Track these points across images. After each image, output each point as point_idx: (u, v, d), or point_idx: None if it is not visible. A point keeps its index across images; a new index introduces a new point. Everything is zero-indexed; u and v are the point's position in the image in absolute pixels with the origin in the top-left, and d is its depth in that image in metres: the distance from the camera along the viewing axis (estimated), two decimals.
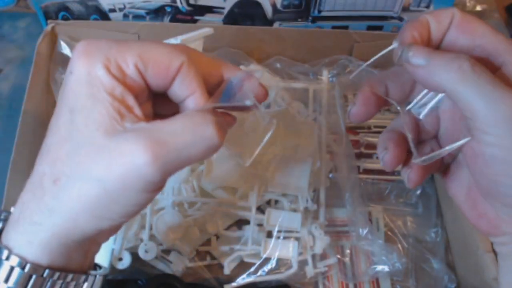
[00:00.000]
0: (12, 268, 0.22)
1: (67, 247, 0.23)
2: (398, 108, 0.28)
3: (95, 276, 0.26)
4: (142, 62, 0.23)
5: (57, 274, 0.23)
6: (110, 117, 0.22)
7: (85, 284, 0.25)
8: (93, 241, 0.25)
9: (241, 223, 0.50)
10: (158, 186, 0.23)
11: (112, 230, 0.26)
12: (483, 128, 0.23)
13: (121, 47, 0.23)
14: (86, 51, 0.23)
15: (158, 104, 0.27)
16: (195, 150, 0.23)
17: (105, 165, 0.21)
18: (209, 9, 0.56)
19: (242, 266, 0.47)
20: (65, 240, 0.23)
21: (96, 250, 0.27)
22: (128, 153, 0.21)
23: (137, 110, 0.23)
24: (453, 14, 0.25)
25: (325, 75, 0.54)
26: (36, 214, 0.22)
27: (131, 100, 0.23)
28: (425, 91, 0.28)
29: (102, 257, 0.44)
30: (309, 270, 0.46)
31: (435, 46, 0.26)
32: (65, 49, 0.54)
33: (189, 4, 0.55)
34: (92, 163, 0.22)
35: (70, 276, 0.24)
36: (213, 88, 0.26)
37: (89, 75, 0.22)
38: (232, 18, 0.56)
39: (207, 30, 0.43)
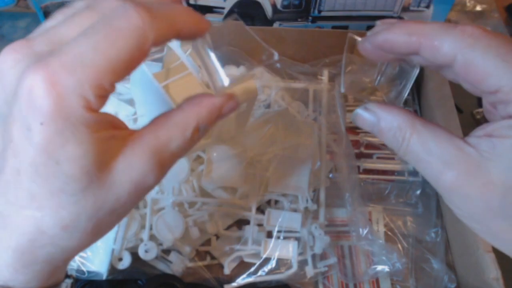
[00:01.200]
0: None
1: (60, 268, 0.23)
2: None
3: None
4: (115, 76, 0.20)
5: None
6: (105, 151, 0.21)
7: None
8: None
9: (241, 223, 0.50)
10: None
11: None
12: None
13: (89, 75, 0.19)
14: (54, 97, 0.18)
15: None
16: (183, 153, 0.24)
17: (116, 198, 0.21)
18: (209, 9, 0.56)
19: (242, 266, 0.47)
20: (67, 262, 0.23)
21: None
22: (135, 175, 0.21)
23: (123, 124, 0.22)
24: (455, 56, 0.23)
25: (325, 75, 0.54)
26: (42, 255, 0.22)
27: (117, 120, 0.22)
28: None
29: (102, 258, 0.44)
30: (309, 270, 0.46)
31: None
32: None
33: (189, 4, 0.55)
34: (102, 203, 0.21)
35: None
36: None
37: (70, 124, 0.19)
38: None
39: None
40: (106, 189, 0.21)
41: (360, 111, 0.26)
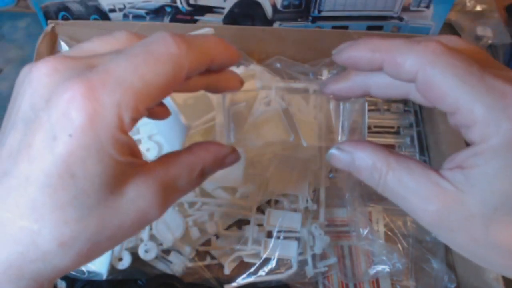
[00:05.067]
0: None
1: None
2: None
3: None
4: (150, 101, 0.21)
5: None
6: (120, 175, 0.21)
7: None
8: None
9: (241, 223, 0.50)
10: None
11: None
12: None
13: (128, 97, 0.20)
14: (90, 113, 0.19)
15: None
16: (185, 193, 0.25)
17: (119, 224, 0.21)
18: (209, 9, 0.56)
19: (242, 266, 0.47)
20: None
21: None
22: (142, 205, 0.22)
23: (140, 154, 0.23)
24: (417, 72, 0.22)
25: (325, 75, 0.54)
26: None
27: (136, 148, 0.22)
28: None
29: (102, 258, 0.44)
30: (309, 270, 0.46)
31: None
32: (65, 49, 0.54)
33: (189, 4, 0.55)
34: (105, 226, 0.21)
35: None
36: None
37: (98, 141, 0.19)
38: (232, 18, 0.56)
39: (207, 30, 0.43)
40: (112, 213, 0.21)
41: (334, 151, 0.26)
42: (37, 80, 0.21)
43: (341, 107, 0.29)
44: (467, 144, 0.22)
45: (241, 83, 0.27)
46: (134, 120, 0.20)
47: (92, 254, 0.22)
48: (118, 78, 0.20)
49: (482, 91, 0.21)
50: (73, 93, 0.19)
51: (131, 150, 0.21)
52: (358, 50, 0.25)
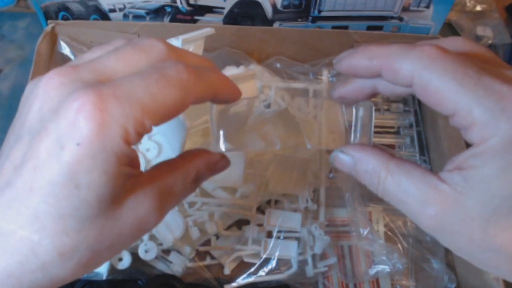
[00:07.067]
0: None
1: None
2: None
3: None
4: (157, 119, 0.21)
5: None
6: (122, 186, 0.21)
7: None
8: None
9: (241, 223, 0.50)
10: None
11: None
12: None
13: (136, 111, 0.20)
14: (99, 122, 0.19)
15: None
16: (181, 199, 0.26)
17: (119, 233, 0.22)
18: (209, 9, 0.56)
19: (242, 266, 0.47)
20: None
21: None
22: (141, 213, 0.22)
23: (139, 164, 0.23)
24: (413, 77, 0.23)
25: (325, 75, 0.54)
26: None
27: (137, 159, 0.22)
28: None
29: None
30: (309, 270, 0.46)
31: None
32: (65, 49, 0.54)
33: (189, 4, 0.55)
34: (105, 236, 0.21)
35: None
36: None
37: (104, 151, 0.19)
38: (232, 18, 0.56)
39: (208, 30, 0.43)
40: (112, 222, 0.21)
41: (338, 154, 0.27)
42: (44, 93, 0.21)
43: (354, 110, 0.30)
44: (467, 144, 0.22)
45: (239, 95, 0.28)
46: (139, 135, 0.21)
47: (91, 264, 0.22)
48: (129, 92, 0.20)
49: (480, 93, 0.21)
50: (83, 102, 0.19)
51: (132, 161, 0.22)
52: (356, 59, 0.25)
